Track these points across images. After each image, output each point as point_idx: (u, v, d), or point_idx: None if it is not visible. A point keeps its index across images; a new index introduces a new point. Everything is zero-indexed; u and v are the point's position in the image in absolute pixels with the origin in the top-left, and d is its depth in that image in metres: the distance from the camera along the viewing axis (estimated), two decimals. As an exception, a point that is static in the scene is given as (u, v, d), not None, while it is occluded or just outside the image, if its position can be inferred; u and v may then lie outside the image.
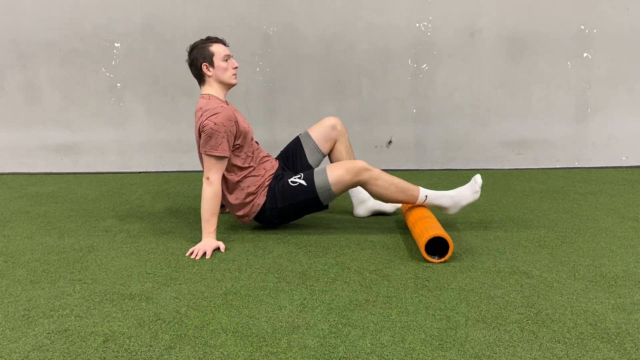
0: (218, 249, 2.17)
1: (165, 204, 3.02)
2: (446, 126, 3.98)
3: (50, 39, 3.98)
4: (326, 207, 2.38)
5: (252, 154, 2.37)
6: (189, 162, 4.11)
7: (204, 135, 2.19)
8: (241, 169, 2.32)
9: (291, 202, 2.32)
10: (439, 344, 1.39)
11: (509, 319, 1.53)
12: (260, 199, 2.35)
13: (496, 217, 2.59)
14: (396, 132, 4.01)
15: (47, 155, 4.16)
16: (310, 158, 2.56)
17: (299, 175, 2.35)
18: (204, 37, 2.33)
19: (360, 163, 2.27)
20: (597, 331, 1.44)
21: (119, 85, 4.05)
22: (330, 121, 2.58)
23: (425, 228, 2.03)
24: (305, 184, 2.31)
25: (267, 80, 3.99)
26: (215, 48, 2.28)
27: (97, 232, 2.48)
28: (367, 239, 2.29)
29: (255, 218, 2.41)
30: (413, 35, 3.86)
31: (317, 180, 2.30)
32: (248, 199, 2.34)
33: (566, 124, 3.93)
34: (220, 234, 2.37)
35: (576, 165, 3.95)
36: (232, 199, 2.36)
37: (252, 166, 2.35)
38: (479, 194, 2.30)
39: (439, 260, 1.97)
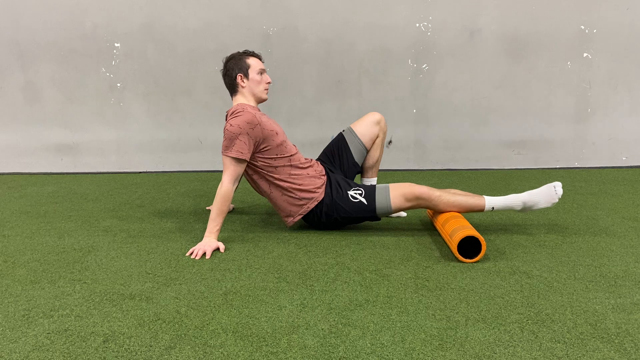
0: (218, 249, 2.17)
1: (165, 204, 3.02)
2: (446, 126, 3.98)
3: (50, 39, 3.98)
4: (379, 219, 2.41)
5: (290, 154, 2.35)
6: (189, 162, 4.12)
7: (223, 136, 2.23)
8: (276, 168, 2.31)
9: (349, 215, 2.35)
10: (439, 344, 1.39)
11: (509, 319, 1.52)
12: (313, 202, 2.34)
13: (496, 217, 2.59)
14: (396, 132, 4.01)
15: (47, 155, 4.16)
16: (356, 155, 2.57)
17: (360, 192, 2.35)
18: (241, 50, 2.38)
19: (419, 190, 2.26)
20: (597, 331, 1.44)
21: (119, 85, 4.05)
22: (374, 117, 2.57)
23: (462, 226, 2.03)
24: (365, 202, 2.32)
25: (267, 80, 3.99)
26: (252, 61, 2.33)
27: (97, 232, 2.48)
28: (367, 239, 2.29)
29: (305, 218, 2.40)
30: (413, 35, 3.86)
31: (379, 201, 2.30)
32: (295, 194, 2.33)
33: (566, 124, 3.93)
34: (220, 234, 2.37)
35: (576, 165, 3.95)
36: (277, 197, 2.35)
37: (290, 165, 2.34)
38: (555, 203, 2.24)
39: (465, 260, 1.96)
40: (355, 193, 2.35)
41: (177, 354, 1.37)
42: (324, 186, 2.38)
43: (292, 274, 1.91)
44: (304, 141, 4.01)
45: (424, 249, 2.15)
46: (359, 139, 2.55)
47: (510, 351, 1.35)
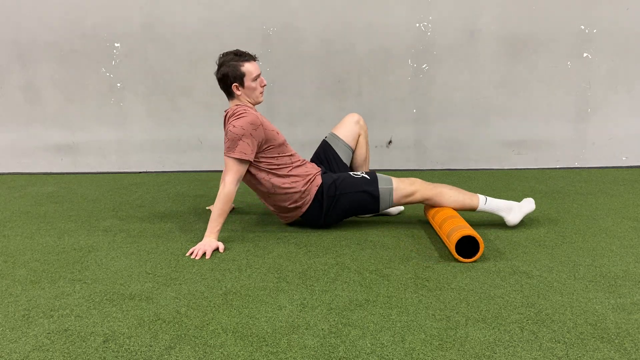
0: (218, 249, 2.17)
1: (165, 204, 3.02)
2: (446, 126, 3.98)
3: (50, 39, 3.98)
4: (378, 210, 2.39)
5: (290, 152, 2.38)
6: (189, 162, 4.11)
7: (226, 138, 2.23)
8: (280, 167, 2.32)
9: (352, 190, 2.34)
10: (439, 344, 1.39)
11: (509, 319, 1.53)
12: (313, 189, 2.35)
13: (496, 217, 2.59)
14: (396, 132, 4.01)
15: (47, 155, 4.16)
16: (343, 157, 2.61)
17: (361, 172, 2.44)
18: (233, 50, 2.31)
19: (414, 178, 2.41)
20: (597, 331, 1.44)
21: (119, 85, 4.05)
22: (353, 117, 2.64)
23: (460, 226, 2.03)
24: (368, 177, 2.37)
25: (267, 80, 3.98)
26: (247, 68, 2.27)
27: (97, 232, 2.48)
28: (367, 239, 2.29)
29: (307, 212, 2.38)
30: (413, 35, 3.86)
31: (381, 179, 2.37)
32: (297, 187, 2.33)
33: (566, 124, 3.93)
34: (220, 234, 2.36)
35: (576, 165, 3.95)
36: (276, 191, 2.34)
37: (293, 163, 2.36)
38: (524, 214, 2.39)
39: (465, 260, 1.96)
40: (356, 173, 2.43)
41: (177, 354, 1.37)
42: (321, 174, 2.42)
43: (292, 274, 1.91)
44: (304, 141, 4.01)
45: (424, 249, 2.15)
46: (342, 140, 2.59)
47: (510, 351, 1.35)
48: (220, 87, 2.35)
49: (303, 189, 2.34)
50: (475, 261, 1.98)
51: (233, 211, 2.85)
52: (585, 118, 3.92)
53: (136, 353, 1.38)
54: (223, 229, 2.46)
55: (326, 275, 1.88)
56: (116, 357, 1.36)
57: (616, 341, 1.39)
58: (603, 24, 3.78)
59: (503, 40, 3.84)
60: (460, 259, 1.98)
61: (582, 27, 3.79)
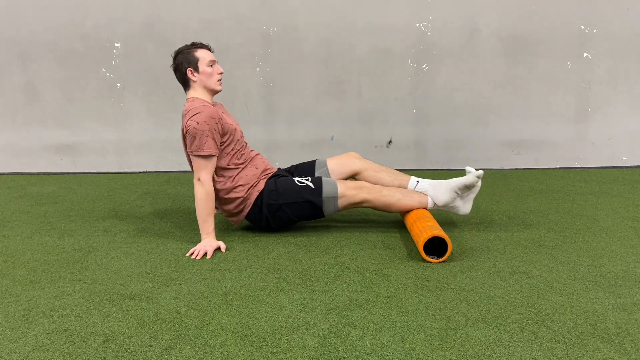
0: (218, 248, 2.17)
1: (165, 204, 3.02)
2: (446, 126, 3.98)
3: (50, 39, 3.98)
4: (323, 216, 2.36)
5: (241, 150, 2.35)
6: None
7: (189, 137, 2.17)
8: (227, 169, 2.29)
9: (294, 200, 2.28)
10: (439, 344, 1.39)
11: (509, 319, 1.53)
12: (254, 194, 2.31)
13: (496, 217, 2.59)
14: (396, 132, 4.01)
15: (47, 155, 4.16)
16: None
17: (307, 178, 2.34)
18: (188, 43, 2.33)
19: (363, 182, 2.33)
20: (597, 331, 1.44)
21: (119, 85, 4.05)
22: (349, 154, 2.54)
23: (424, 228, 2.03)
24: (312, 186, 2.29)
25: (267, 80, 3.99)
26: (200, 53, 2.27)
27: (97, 232, 2.48)
28: (367, 239, 2.29)
29: (248, 216, 2.36)
30: (413, 35, 3.86)
31: (326, 187, 2.29)
32: (239, 194, 2.30)
33: (566, 124, 3.93)
34: (220, 234, 2.36)
35: (576, 165, 3.95)
36: (223, 195, 2.32)
37: (242, 163, 2.33)
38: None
39: (438, 260, 1.97)
40: (302, 179, 2.34)
41: (177, 354, 1.37)
42: (268, 177, 2.37)
43: (292, 274, 1.91)
44: (304, 141, 4.02)
45: (424, 249, 2.15)
46: (327, 168, 2.49)
47: (510, 351, 1.35)
48: (177, 78, 2.32)
49: (245, 195, 2.31)
50: (473, 262, 1.98)
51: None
52: (585, 118, 3.92)
53: (136, 353, 1.38)
54: (223, 229, 2.46)
55: (326, 275, 1.88)
56: (116, 357, 1.36)
57: (616, 341, 1.39)
58: (603, 24, 3.78)
59: (503, 40, 3.84)
60: (432, 260, 1.98)
61: (582, 27, 3.79)
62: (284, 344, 1.41)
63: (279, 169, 2.52)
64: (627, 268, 1.89)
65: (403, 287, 1.76)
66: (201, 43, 2.32)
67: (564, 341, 1.40)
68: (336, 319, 1.54)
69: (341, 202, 2.29)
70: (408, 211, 2.32)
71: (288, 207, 2.30)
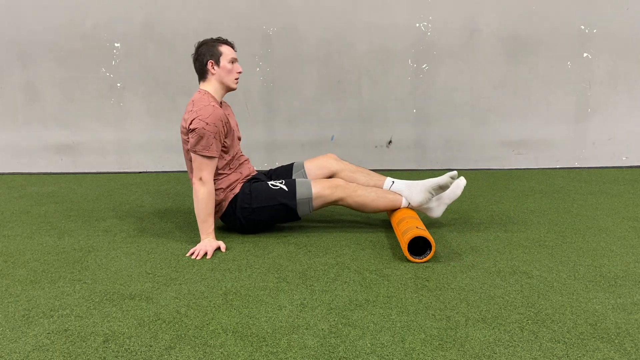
0: (218, 248, 2.17)
1: (165, 204, 3.02)
2: (446, 126, 3.98)
3: (50, 39, 3.98)
4: (299, 219, 2.36)
5: (236, 156, 2.37)
6: (189, 162, 4.12)
7: (194, 135, 2.17)
8: (219, 173, 2.30)
9: (267, 203, 2.29)
10: (439, 344, 1.39)
11: (509, 319, 1.52)
12: (230, 196, 2.31)
13: (496, 217, 2.59)
14: (396, 132, 4.01)
15: (47, 155, 4.16)
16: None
17: (281, 181, 2.35)
18: (215, 37, 2.34)
19: (338, 180, 2.33)
20: (597, 331, 1.44)
21: (119, 85, 4.05)
22: (326, 155, 2.55)
23: (406, 229, 2.04)
24: (286, 189, 2.30)
25: (267, 80, 3.99)
26: (224, 49, 2.29)
27: (97, 232, 2.48)
28: (367, 239, 2.29)
29: (222, 217, 2.37)
30: (413, 35, 3.86)
31: (299, 189, 2.29)
32: (218, 196, 2.30)
33: (566, 124, 3.93)
34: (219, 234, 2.36)
35: (576, 165, 3.95)
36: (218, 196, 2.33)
37: (233, 168, 2.35)
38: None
39: (422, 260, 1.97)
40: (276, 182, 2.35)
41: (177, 354, 1.37)
42: (245, 181, 2.37)
43: (292, 274, 1.91)
44: (304, 141, 4.02)
45: (424, 249, 2.15)
46: (304, 170, 2.50)
47: (510, 351, 1.35)
48: (195, 68, 2.32)
49: (222, 196, 2.32)
50: (473, 262, 1.98)
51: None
52: (585, 118, 3.92)
53: (136, 353, 1.38)
54: (222, 229, 2.46)
55: (326, 275, 1.88)
56: (116, 357, 1.36)
57: (616, 341, 1.39)
58: (603, 24, 3.78)
59: (503, 40, 3.84)
60: (417, 260, 1.98)
61: (582, 27, 3.79)
62: (284, 344, 1.41)
63: (257, 172, 2.53)
64: (627, 268, 1.89)
65: (403, 287, 1.76)
66: (227, 40, 2.34)
67: (564, 341, 1.39)
68: (336, 319, 1.54)
69: (316, 203, 2.30)
70: (383, 211, 2.35)
71: (261, 210, 2.30)
